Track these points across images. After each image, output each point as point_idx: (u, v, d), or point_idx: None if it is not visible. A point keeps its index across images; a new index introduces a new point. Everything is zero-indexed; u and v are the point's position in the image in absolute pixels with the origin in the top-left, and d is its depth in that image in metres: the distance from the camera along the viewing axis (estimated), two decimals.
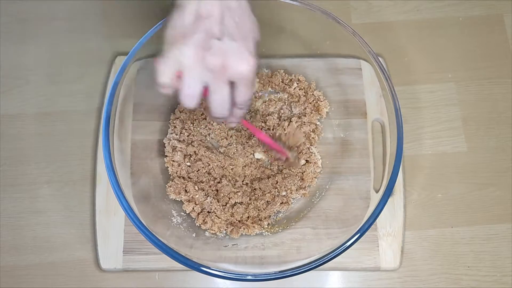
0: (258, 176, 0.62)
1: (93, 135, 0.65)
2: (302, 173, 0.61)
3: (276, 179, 0.60)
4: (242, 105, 0.43)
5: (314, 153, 0.63)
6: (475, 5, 0.72)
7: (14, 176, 0.63)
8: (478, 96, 0.68)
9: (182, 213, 0.59)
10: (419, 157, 0.65)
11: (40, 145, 0.64)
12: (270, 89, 0.66)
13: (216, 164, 0.61)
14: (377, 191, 0.55)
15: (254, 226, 0.58)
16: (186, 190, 0.59)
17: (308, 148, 0.63)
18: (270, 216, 0.60)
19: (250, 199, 0.60)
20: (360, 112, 0.63)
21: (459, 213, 0.62)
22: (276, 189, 0.60)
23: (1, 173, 0.63)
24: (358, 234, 0.49)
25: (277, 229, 0.59)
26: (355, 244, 0.49)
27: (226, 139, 0.63)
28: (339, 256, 0.49)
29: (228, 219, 0.59)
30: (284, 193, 0.61)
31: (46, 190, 0.63)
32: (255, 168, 0.62)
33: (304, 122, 0.63)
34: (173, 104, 0.65)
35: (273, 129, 0.63)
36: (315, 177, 0.62)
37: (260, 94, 0.65)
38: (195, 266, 0.47)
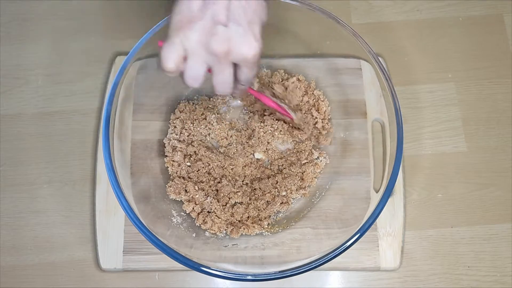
0: (258, 176, 0.62)
1: (93, 135, 0.65)
2: (302, 173, 0.61)
3: (276, 179, 0.60)
4: (245, 82, 0.45)
5: (314, 153, 0.63)
6: (475, 5, 0.72)
7: (14, 176, 0.63)
8: (478, 96, 0.67)
9: (182, 213, 0.59)
10: (419, 157, 0.65)
11: (40, 145, 0.64)
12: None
13: (216, 164, 0.61)
14: (377, 191, 0.55)
15: (254, 226, 0.58)
16: (186, 190, 0.59)
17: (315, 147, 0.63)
18: (270, 216, 0.60)
19: (250, 199, 0.60)
20: (360, 112, 0.63)
21: (459, 213, 0.62)
22: (276, 189, 0.60)
23: (1, 173, 0.63)
24: (358, 234, 0.49)
25: (277, 229, 0.59)
26: (355, 244, 0.49)
27: (226, 139, 0.63)
28: (339, 256, 0.49)
29: (228, 219, 0.59)
30: (284, 193, 0.61)
31: (46, 190, 0.63)
32: (255, 168, 0.62)
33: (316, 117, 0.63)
34: (173, 104, 0.65)
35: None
36: (315, 177, 0.62)
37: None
38: (195, 266, 0.47)
